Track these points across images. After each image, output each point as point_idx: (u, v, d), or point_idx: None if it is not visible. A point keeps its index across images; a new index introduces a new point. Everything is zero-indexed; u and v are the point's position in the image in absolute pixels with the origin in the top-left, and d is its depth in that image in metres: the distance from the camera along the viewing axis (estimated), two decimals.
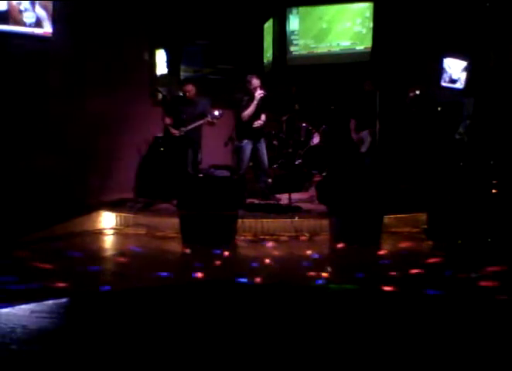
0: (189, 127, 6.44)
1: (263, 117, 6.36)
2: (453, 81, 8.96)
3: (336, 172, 5.54)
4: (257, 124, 6.26)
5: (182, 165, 6.42)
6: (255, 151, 6.33)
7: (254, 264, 4.28)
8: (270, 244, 5.09)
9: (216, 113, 6.43)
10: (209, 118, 6.46)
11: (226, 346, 1.15)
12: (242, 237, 5.33)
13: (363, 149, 6.61)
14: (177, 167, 6.40)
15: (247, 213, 5.62)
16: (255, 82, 6.19)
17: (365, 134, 6.57)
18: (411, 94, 7.95)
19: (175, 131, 6.46)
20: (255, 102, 6.14)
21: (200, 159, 6.65)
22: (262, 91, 6.16)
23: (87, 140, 6.11)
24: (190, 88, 6.60)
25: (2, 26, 5.20)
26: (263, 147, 6.43)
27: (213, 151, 7.10)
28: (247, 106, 6.17)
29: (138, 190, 6.73)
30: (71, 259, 4.42)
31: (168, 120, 6.53)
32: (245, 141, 6.26)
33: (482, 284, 3.55)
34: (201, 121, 6.49)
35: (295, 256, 4.59)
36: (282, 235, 5.37)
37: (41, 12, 5.44)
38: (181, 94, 6.84)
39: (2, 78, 5.35)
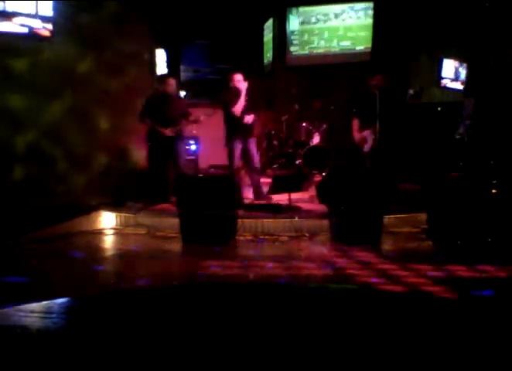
0: (183, 126, 6.36)
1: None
2: (453, 81, 8.98)
3: (336, 172, 5.52)
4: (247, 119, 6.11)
5: (176, 164, 6.34)
6: (247, 151, 6.27)
7: (254, 264, 4.28)
8: (269, 244, 5.09)
9: (209, 112, 6.44)
10: (202, 117, 6.41)
11: (224, 348, 1.15)
12: (242, 237, 5.33)
13: (366, 149, 6.54)
14: (174, 166, 6.36)
15: (246, 213, 5.62)
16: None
17: (367, 133, 6.50)
18: (411, 92, 7.90)
19: (167, 131, 6.16)
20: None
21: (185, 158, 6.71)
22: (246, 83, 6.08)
23: (86, 140, 6.11)
24: (172, 82, 6.37)
25: (3, 26, 5.22)
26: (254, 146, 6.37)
27: (213, 151, 7.10)
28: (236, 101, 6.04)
29: (138, 190, 6.72)
30: (71, 259, 4.42)
31: (148, 121, 6.19)
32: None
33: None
34: (198, 119, 6.42)
35: (295, 256, 4.60)
36: (282, 235, 5.37)
37: (42, 12, 5.46)
38: (161, 92, 6.36)
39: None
